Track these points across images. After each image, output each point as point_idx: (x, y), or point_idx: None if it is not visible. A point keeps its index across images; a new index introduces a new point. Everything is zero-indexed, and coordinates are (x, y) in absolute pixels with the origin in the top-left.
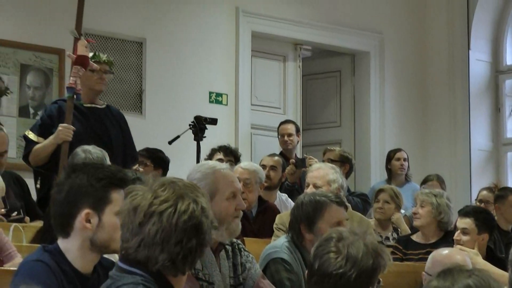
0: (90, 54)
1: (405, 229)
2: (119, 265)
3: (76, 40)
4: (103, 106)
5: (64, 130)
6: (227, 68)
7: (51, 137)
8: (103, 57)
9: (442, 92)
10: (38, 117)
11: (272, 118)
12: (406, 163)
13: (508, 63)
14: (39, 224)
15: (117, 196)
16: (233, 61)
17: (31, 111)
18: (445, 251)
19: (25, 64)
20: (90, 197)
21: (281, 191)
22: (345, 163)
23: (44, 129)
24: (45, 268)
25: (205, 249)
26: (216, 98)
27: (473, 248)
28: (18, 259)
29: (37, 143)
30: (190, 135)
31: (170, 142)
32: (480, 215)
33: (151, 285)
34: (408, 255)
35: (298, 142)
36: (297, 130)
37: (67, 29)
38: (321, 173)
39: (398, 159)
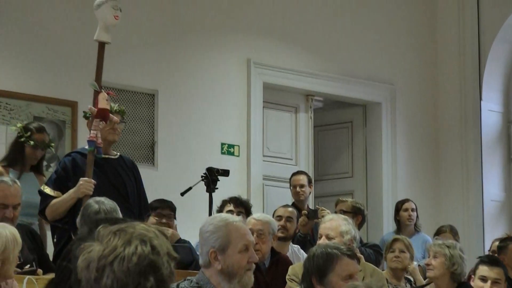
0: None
1: (420, 279)
2: None
3: (97, 93)
4: (117, 156)
5: (86, 184)
6: (239, 119)
7: (70, 191)
8: (115, 106)
9: (454, 143)
10: (52, 171)
11: (284, 169)
12: (414, 213)
13: None
14: (51, 276)
15: None
16: (245, 112)
17: (44, 163)
18: None
19: (38, 116)
20: None
21: (293, 243)
22: (357, 214)
23: (60, 183)
24: None
25: (170, 283)
26: (228, 149)
27: None
28: None
29: (53, 197)
30: (202, 186)
31: (182, 194)
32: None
33: None
34: None
35: (310, 193)
36: (309, 181)
37: (80, 81)
38: (334, 225)
39: (406, 210)
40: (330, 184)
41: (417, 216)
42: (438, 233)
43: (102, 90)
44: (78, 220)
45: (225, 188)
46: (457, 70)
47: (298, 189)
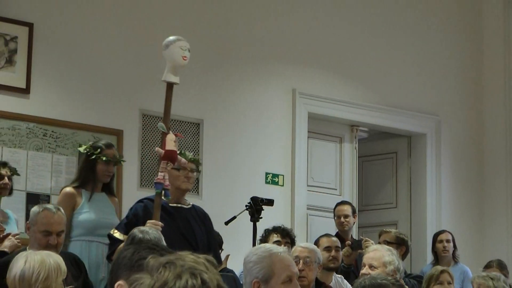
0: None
1: None
2: None
3: (164, 134)
4: (189, 206)
5: (152, 227)
6: (284, 149)
7: None
8: (189, 155)
9: (499, 175)
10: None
11: (328, 199)
12: (449, 244)
13: None
14: None
15: None
16: (290, 142)
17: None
18: None
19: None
20: (127, 270)
21: (337, 273)
22: (401, 245)
23: (130, 228)
24: None
25: None
26: (272, 179)
27: None
28: None
29: (122, 241)
30: (246, 215)
31: (226, 223)
32: None
33: None
34: None
35: (354, 223)
36: (354, 211)
37: (125, 110)
38: (378, 255)
39: (441, 241)
40: (374, 214)
41: (455, 247)
42: (486, 267)
43: (170, 132)
44: (121, 247)
45: (269, 218)
46: (502, 102)
47: (342, 219)
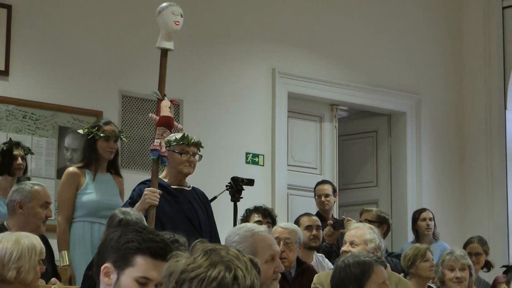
0: (179, 135)
1: None
2: None
3: (159, 101)
4: (190, 188)
5: (150, 194)
6: (264, 129)
7: (137, 204)
8: (192, 138)
9: (479, 152)
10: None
11: (309, 179)
12: (432, 223)
13: None
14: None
15: (142, 262)
16: (270, 122)
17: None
18: None
19: (64, 126)
20: (114, 253)
21: (318, 252)
22: (382, 223)
23: None
24: None
25: None
26: (252, 159)
27: None
28: None
29: None
30: (227, 196)
31: None
32: None
33: None
34: None
35: (335, 202)
36: (334, 191)
37: (105, 91)
38: (359, 232)
39: (424, 219)
40: (355, 193)
41: (435, 225)
42: (467, 244)
43: (165, 98)
44: (104, 230)
45: (250, 198)
46: (482, 80)
47: (323, 198)
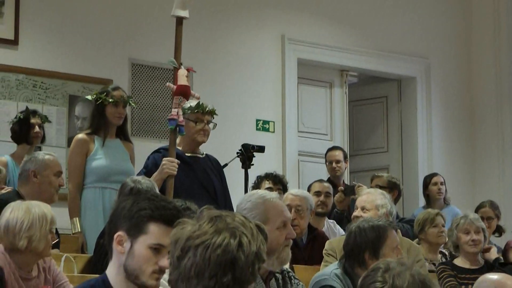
0: (194, 103)
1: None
2: None
3: (176, 70)
4: (203, 155)
5: (168, 164)
6: (274, 96)
7: (154, 174)
8: (207, 106)
9: (490, 116)
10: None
11: (319, 145)
12: (443, 187)
13: None
14: (90, 254)
15: (155, 229)
16: (280, 89)
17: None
18: (495, 276)
19: (74, 95)
20: (127, 221)
21: (329, 218)
22: (393, 189)
23: (150, 177)
24: None
25: (249, 284)
26: (263, 125)
27: None
28: None
29: None
30: (238, 163)
31: None
32: None
33: None
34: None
35: (346, 168)
36: (345, 157)
37: (114, 59)
38: (371, 198)
39: (435, 184)
40: (365, 159)
41: (446, 190)
42: (478, 208)
43: (182, 66)
44: (115, 199)
45: (261, 164)
46: (492, 44)
47: (334, 164)
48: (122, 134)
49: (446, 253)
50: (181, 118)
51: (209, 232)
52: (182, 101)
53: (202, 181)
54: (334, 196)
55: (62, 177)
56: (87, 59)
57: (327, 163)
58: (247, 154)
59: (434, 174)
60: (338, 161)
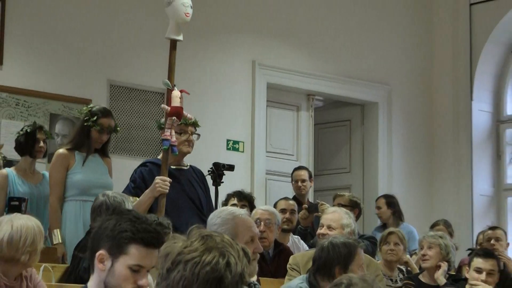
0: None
1: (415, 268)
2: None
3: (169, 91)
4: (187, 167)
5: (161, 183)
6: (244, 117)
7: (147, 191)
8: (193, 118)
9: (447, 140)
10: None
11: (286, 165)
12: (381, 210)
13: (509, 113)
14: (66, 265)
15: (135, 251)
16: (250, 111)
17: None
18: None
19: (55, 113)
20: (109, 241)
21: (294, 234)
22: (354, 207)
23: (139, 191)
24: None
25: None
26: (233, 145)
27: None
28: None
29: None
30: (209, 180)
31: None
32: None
33: None
34: None
35: (310, 187)
36: (310, 176)
37: (93, 80)
38: (336, 217)
39: (380, 208)
40: (329, 178)
41: (398, 208)
42: (433, 226)
43: (175, 88)
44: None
45: (231, 182)
46: (450, 71)
47: (299, 183)
48: (101, 149)
49: (403, 269)
50: (173, 139)
51: (200, 249)
52: (175, 121)
53: (187, 192)
54: (298, 213)
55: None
56: (68, 79)
57: (293, 182)
58: (217, 172)
59: (380, 197)
60: (303, 180)
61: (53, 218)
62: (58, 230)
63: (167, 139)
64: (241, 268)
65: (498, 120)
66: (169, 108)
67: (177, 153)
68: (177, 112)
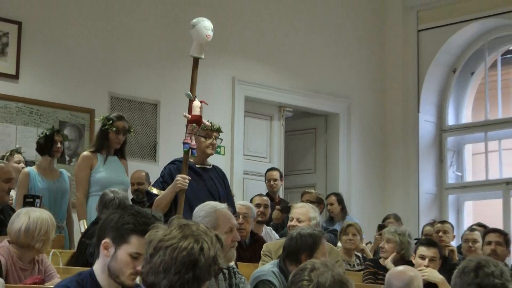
0: (207, 123)
1: (369, 255)
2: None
3: (191, 101)
4: (211, 166)
5: (181, 180)
6: (225, 126)
7: (169, 187)
8: (214, 125)
9: (397, 146)
10: (73, 164)
11: (260, 166)
12: (333, 206)
13: (450, 123)
14: (72, 251)
15: (135, 241)
16: (230, 120)
17: (67, 158)
18: (400, 268)
19: (63, 121)
20: (113, 231)
21: (267, 226)
22: (320, 203)
23: (166, 185)
24: None
25: (204, 284)
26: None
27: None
28: (56, 279)
29: (157, 195)
30: None
31: None
32: (439, 246)
33: None
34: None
35: (281, 185)
36: (281, 176)
37: (96, 92)
38: (304, 211)
39: (332, 204)
40: (297, 178)
41: (343, 205)
42: (385, 220)
43: (196, 99)
44: (96, 205)
45: None
46: (401, 88)
47: (272, 182)
48: (120, 152)
49: (360, 255)
50: (193, 142)
51: (177, 236)
52: (195, 128)
53: (208, 187)
54: (271, 208)
55: (12, 182)
56: (74, 91)
57: (266, 181)
58: None
59: (329, 195)
60: (275, 180)
61: (79, 211)
62: (84, 220)
63: (187, 143)
64: (214, 252)
65: (441, 130)
66: (190, 116)
67: (195, 154)
68: (197, 120)
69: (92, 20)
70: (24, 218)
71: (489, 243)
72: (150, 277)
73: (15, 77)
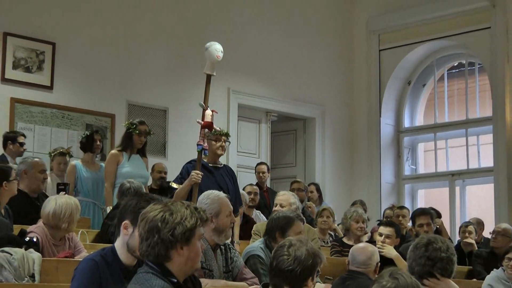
0: (217, 128)
1: (340, 234)
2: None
3: (204, 110)
4: (222, 165)
5: (195, 175)
6: (222, 128)
7: (185, 181)
8: (223, 130)
9: (363, 145)
10: (100, 163)
11: (251, 161)
12: (313, 194)
13: (406, 126)
14: (97, 230)
15: None
16: (225, 124)
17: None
18: (361, 244)
19: (89, 123)
20: (132, 214)
21: (256, 209)
22: (305, 191)
23: (184, 180)
24: (93, 264)
25: (170, 243)
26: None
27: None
28: (84, 253)
29: (176, 189)
30: None
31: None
32: (396, 226)
33: (154, 270)
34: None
35: (268, 176)
36: (268, 169)
37: (116, 100)
38: (285, 197)
39: (311, 192)
40: (281, 170)
41: (321, 193)
42: (353, 204)
43: (208, 108)
44: (116, 193)
45: None
46: (365, 97)
47: (260, 174)
48: (141, 151)
49: (332, 234)
50: (205, 144)
51: (158, 209)
52: (207, 132)
53: (219, 183)
54: (259, 195)
55: (46, 173)
56: (98, 99)
57: (256, 173)
58: None
59: (309, 184)
60: (263, 172)
61: (107, 198)
62: (110, 206)
63: (200, 144)
64: (179, 219)
65: (398, 131)
66: (203, 122)
67: (207, 154)
68: (209, 125)
69: (113, 41)
70: (52, 203)
71: (421, 225)
72: (140, 244)
73: (50, 88)
